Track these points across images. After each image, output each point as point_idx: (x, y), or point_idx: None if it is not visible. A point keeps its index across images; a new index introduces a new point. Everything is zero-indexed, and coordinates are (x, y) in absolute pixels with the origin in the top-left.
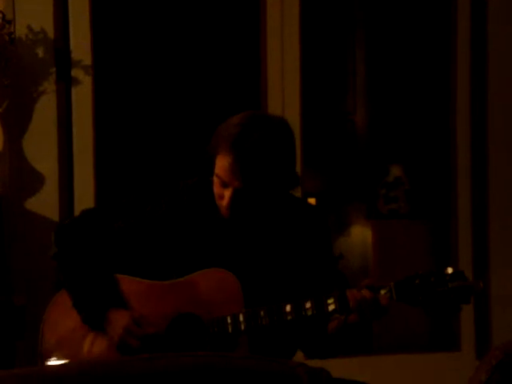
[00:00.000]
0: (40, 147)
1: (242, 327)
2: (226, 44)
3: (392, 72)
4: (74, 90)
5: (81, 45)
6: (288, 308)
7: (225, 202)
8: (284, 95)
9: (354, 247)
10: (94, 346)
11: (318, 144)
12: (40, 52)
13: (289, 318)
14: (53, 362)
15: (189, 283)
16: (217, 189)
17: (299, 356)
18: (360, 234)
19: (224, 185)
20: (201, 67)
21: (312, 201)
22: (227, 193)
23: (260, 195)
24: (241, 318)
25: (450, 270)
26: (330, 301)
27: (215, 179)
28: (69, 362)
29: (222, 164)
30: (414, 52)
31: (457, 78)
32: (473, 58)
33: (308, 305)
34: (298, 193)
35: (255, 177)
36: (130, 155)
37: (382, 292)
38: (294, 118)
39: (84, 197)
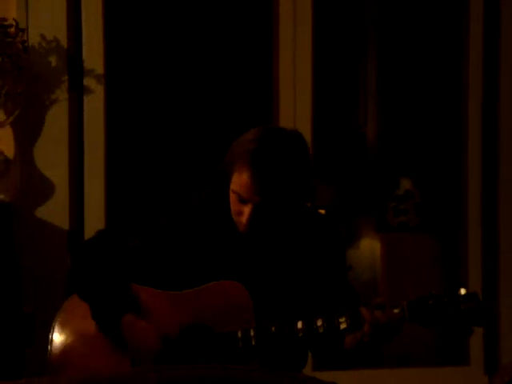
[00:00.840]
0: (51, 155)
1: (253, 342)
2: (238, 56)
3: (403, 85)
4: (86, 99)
5: (93, 54)
6: (299, 325)
7: (244, 219)
8: (296, 108)
9: (364, 260)
10: (103, 354)
11: (328, 156)
12: (53, 60)
13: (300, 334)
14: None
15: (199, 294)
16: (234, 205)
17: (307, 370)
18: (369, 247)
19: (242, 201)
20: (213, 80)
21: (322, 212)
22: (246, 209)
23: (278, 209)
24: (251, 333)
25: (463, 291)
26: (341, 319)
27: (232, 195)
28: (78, 375)
29: (240, 181)
30: (424, 65)
31: (468, 91)
32: (485, 72)
33: (319, 322)
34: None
35: (275, 191)
36: (141, 164)
37: (395, 311)
38: (305, 130)
39: (94, 205)
